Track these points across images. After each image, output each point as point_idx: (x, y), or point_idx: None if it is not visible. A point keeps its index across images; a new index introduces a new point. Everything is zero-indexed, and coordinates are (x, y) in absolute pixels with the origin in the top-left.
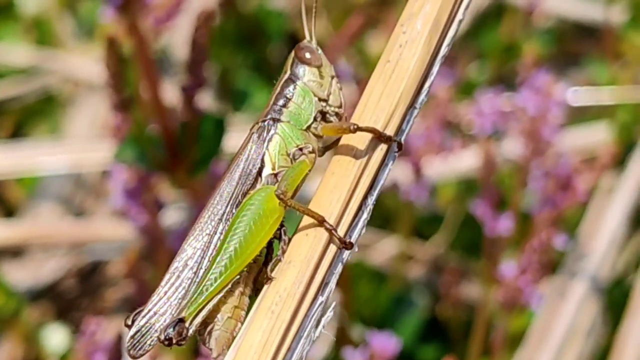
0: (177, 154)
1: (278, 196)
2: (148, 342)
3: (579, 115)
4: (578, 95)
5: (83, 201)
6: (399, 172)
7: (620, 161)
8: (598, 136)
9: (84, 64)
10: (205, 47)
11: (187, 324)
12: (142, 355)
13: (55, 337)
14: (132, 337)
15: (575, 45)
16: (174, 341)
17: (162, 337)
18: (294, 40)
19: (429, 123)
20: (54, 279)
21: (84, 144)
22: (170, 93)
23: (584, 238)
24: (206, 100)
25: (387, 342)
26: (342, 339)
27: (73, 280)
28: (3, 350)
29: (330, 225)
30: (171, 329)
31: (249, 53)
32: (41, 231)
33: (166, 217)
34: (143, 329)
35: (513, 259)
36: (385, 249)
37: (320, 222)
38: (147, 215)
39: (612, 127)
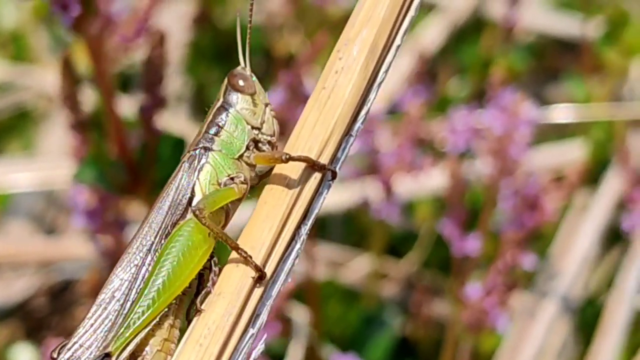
0: (137, 175)
1: (194, 212)
2: None
3: (552, 133)
4: (552, 111)
5: (54, 218)
6: (370, 190)
7: (594, 179)
8: (570, 154)
9: (57, 80)
10: (162, 67)
11: (114, 359)
12: None
13: (24, 356)
14: None
15: (554, 61)
16: None
17: None
18: (269, 55)
19: (400, 141)
20: (24, 298)
21: (56, 161)
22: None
23: (555, 257)
24: (179, 116)
25: None
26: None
27: (43, 298)
28: None
29: (245, 253)
30: None
31: (225, 68)
32: (11, 249)
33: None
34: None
35: (481, 279)
36: (357, 267)
37: (235, 248)
38: (109, 234)
39: (585, 146)
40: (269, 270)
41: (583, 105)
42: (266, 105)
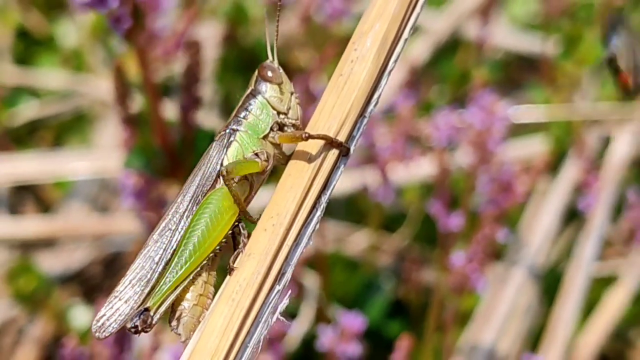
0: (176, 162)
1: (221, 172)
2: (112, 325)
3: (520, 131)
4: (519, 113)
5: (107, 200)
6: (368, 177)
7: (554, 168)
8: (535, 147)
9: (110, 87)
10: (198, 71)
11: (151, 313)
12: (106, 337)
13: (81, 316)
14: (98, 320)
15: (518, 73)
16: (140, 328)
17: (130, 326)
18: (284, 68)
19: (394, 136)
20: (81, 266)
21: (107, 153)
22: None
23: (523, 232)
24: (211, 118)
25: (354, 321)
26: (320, 317)
27: (97, 267)
28: (36, 326)
29: (250, 216)
30: (137, 318)
31: (247, 78)
32: (71, 226)
33: None
34: (108, 313)
35: (462, 250)
36: (357, 242)
37: (243, 212)
38: (152, 212)
39: (547, 140)
40: (293, 234)
41: (545, 107)
42: (292, 93)
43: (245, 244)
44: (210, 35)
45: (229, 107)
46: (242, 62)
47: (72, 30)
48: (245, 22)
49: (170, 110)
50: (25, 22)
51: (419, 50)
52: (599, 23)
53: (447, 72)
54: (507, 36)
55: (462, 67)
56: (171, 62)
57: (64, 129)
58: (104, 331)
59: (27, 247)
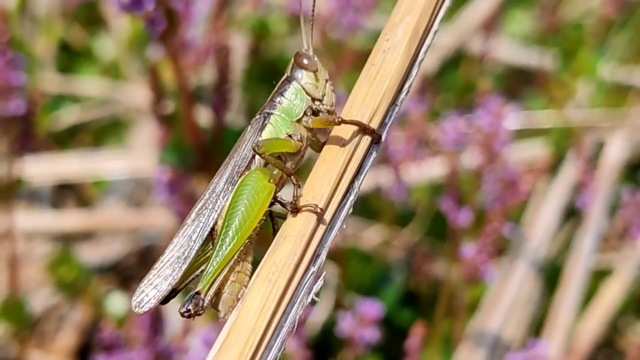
0: (207, 158)
1: (253, 147)
2: (151, 301)
3: (521, 136)
4: (521, 119)
5: (140, 197)
6: (382, 177)
7: (554, 169)
8: (537, 151)
9: (144, 95)
10: (228, 74)
11: (202, 296)
12: (144, 312)
13: (117, 303)
14: (138, 296)
15: (516, 85)
16: (193, 312)
17: (182, 310)
18: None
19: (406, 139)
20: (118, 257)
21: (141, 154)
22: (205, 114)
23: (525, 228)
24: (238, 122)
25: (372, 308)
26: (338, 305)
27: (132, 258)
28: (76, 312)
29: (297, 180)
30: (189, 302)
31: (270, 87)
32: (108, 220)
33: None
34: (147, 289)
35: (472, 243)
36: (371, 237)
37: (289, 174)
38: (185, 205)
39: (548, 144)
40: (327, 217)
41: (545, 114)
42: (327, 80)
43: (292, 202)
44: (236, 47)
45: (253, 113)
46: (265, 74)
47: (110, 43)
48: (268, 36)
49: (200, 113)
50: (68, 36)
51: (427, 63)
52: (592, 40)
53: (452, 83)
54: (506, 51)
55: (466, 78)
56: (201, 70)
57: (102, 132)
58: (143, 306)
59: (68, 239)
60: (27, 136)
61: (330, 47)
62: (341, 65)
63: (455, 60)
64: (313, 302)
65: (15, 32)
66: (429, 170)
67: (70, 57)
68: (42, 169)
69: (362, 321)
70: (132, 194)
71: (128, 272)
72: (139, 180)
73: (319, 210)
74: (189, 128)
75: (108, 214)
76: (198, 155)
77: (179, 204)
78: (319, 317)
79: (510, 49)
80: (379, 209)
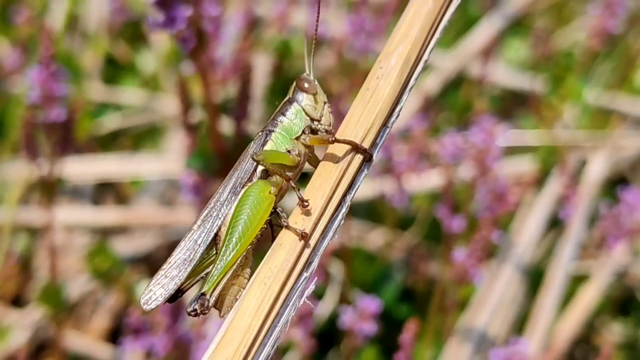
0: (229, 165)
1: (252, 157)
2: (158, 299)
3: (511, 152)
4: (512, 137)
5: (171, 197)
6: (386, 185)
7: (540, 183)
8: (525, 166)
9: (177, 105)
10: (249, 89)
11: (207, 297)
12: (152, 308)
13: None
14: (146, 294)
15: (511, 106)
16: (199, 311)
17: (189, 310)
18: None
19: (409, 152)
20: (149, 250)
21: (174, 158)
22: (228, 124)
23: (513, 235)
24: (257, 132)
25: (371, 303)
26: (343, 299)
27: (161, 251)
28: (110, 298)
29: (296, 185)
30: (195, 302)
31: None
32: (142, 216)
33: None
34: (154, 288)
35: (463, 248)
36: (375, 238)
37: (287, 179)
38: None
39: (535, 160)
40: (320, 228)
41: (533, 133)
42: (325, 103)
43: (286, 221)
44: (261, 65)
45: None
46: (286, 89)
47: (151, 58)
48: (290, 56)
49: (224, 124)
50: (113, 51)
51: (431, 84)
52: (579, 67)
53: (453, 103)
54: (503, 75)
55: (466, 99)
56: (227, 85)
57: (140, 137)
58: (150, 303)
59: (105, 232)
60: (67, 141)
61: (344, 67)
62: (354, 83)
63: (457, 82)
64: (314, 301)
65: (63, 47)
66: (428, 180)
67: (115, 70)
68: (85, 168)
69: (362, 315)
70: (163, 194)
71: (157, 264)
72: (171, 181)
73: (302, 235)
74: (213, 137)
75: (141, 211)
76: (220, 162)
77: (202, 204)
78: (325, 309)
79: (506, 74)
80: (382, 214)
